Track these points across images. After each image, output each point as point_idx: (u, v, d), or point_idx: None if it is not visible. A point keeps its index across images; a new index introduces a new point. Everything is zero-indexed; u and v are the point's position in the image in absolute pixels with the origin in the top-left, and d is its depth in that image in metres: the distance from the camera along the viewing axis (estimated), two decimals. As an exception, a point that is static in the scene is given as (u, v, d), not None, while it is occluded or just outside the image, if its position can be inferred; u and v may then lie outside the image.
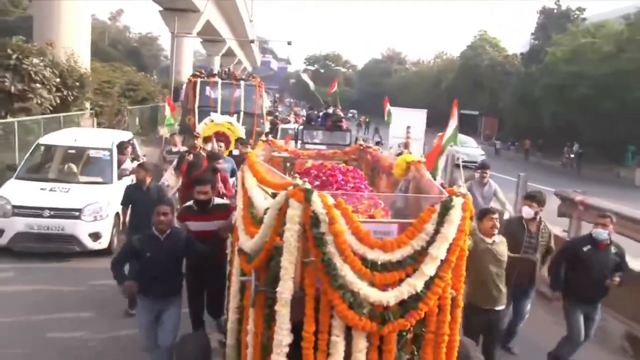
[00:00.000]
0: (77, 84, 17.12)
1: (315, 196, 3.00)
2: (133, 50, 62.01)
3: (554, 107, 33.34)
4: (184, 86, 19.30)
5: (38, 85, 15.04)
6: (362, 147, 6.35)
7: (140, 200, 6.90)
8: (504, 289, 5.42)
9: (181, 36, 37.05)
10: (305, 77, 23.07)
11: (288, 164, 6.11)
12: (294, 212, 3.01)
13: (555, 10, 45.08)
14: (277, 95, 51.32)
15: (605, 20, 35.45)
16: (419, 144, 17.40)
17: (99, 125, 18.92)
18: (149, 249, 4.96)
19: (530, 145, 36.45)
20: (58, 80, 16.02)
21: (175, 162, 9.44)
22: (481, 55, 50.32)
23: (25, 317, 6.56)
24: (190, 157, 9.03)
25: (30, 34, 19.48)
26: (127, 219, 7.14)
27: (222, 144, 10.70)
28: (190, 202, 5.80)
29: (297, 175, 3.24)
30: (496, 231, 5.37)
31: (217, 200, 5.81)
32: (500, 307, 5.43)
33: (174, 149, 10.96)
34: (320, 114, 17.91)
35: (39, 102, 15.03)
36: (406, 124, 16.04)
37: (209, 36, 47.59)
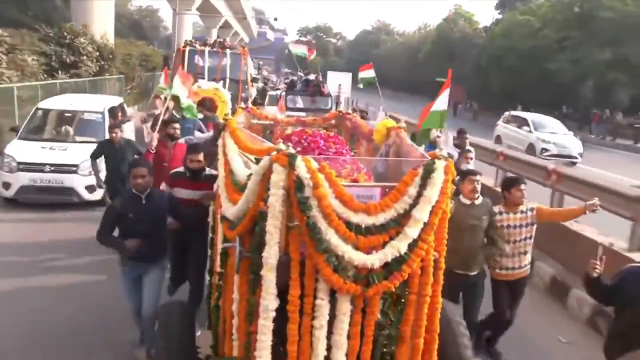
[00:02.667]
0: (110, 56, 24.17)
1: (299, 161, 2.99)
2: (135, 22, 64.64)
3: (495, 74, 38.71)
4: (174, 55, 20.48)
5: (84, 57, 21.86)
6: (341, 114, 6.34)
7: (112, 156, 7.89)
8: (479, 255, 5.40)
9: (182, 13, 41.73)
10: (291, 46, 24.04)
11: (268, 132, 6.07)
12: (278, 176, 3.00)
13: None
14: (261, 63, 53.49)
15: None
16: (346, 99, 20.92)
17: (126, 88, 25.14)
18: (131, 210, 4.96)
19: (478, 107, 43.02)
20: (97, 54, 22.88)
21: (150, 124, 10.16)
22: (453, 28, 54.69)
23: (31, 258, 7.65)
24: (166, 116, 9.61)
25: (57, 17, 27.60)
26: (103, 175, 8.21)
27: (177, 127, 10.58)
28: (181, 168, 5.77)
29: (280, 140, 3.21)
30: (476, 195, 5.40)
31: (209, 171, 5.77)
32: (474, 272, 5.40)
33: (156, 112, 11.12)
34: (301, 79, 18.59)
35: (85, 69, 21.75)
36: (337, 83, 19.74)
37: (207, 12, 51.73)
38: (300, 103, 16.13)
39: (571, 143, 20.56)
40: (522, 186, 5.47)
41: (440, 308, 3.59)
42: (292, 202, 3.04)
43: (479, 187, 5.33)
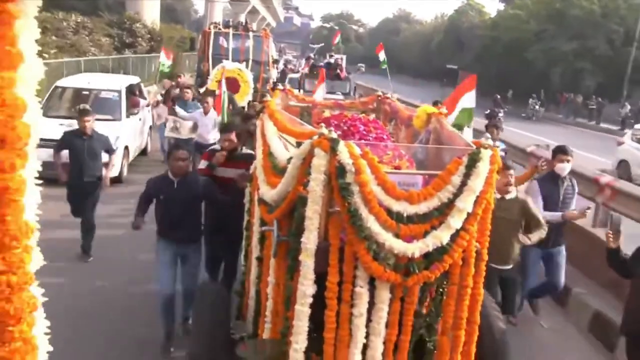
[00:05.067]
0: (159, 38, 28.84)
1: (342, 146, 2.92)
2: (169, 6, 69.79)
3: (487, 63, 42.21)
4: (200, 37, 22.22)
5: (139, 39, 26.76)
6: (379, 98, 6.22)
7: (78, 149, 6.86)
8: (512, 249, 5.42)
9: (214, 1, 46.87)
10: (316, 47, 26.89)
11: (305, 114, 6.01)
12: (320, 161, 2.94)
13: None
14: (282, 46, 57.32)
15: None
16: None
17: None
18: (161, 192, 5.08)
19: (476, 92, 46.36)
20: (149, 36, 27.83)
21: (162, 97, 12.30)
22: (462, 18, 58.16)
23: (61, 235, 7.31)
24: (177, 91, 11.64)
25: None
26: (66, 168, 7.04)
27: (189, 91, 11.78)
28: (218, 146, 5.83)
29: (322, 124, 3.14)
30: (511, 188, 5.35)
31: (245, 150, 5.83)
32: (506, 267, 5.42)
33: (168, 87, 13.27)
34: (323, 62, 18.97)
35: (140, 48, 26.49)
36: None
37: None
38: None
39: None
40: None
41: (481, 300, 3.51)
42: (333, 188, 2.98)
43: (512, 181, 5.37)
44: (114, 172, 9.81)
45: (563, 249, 6.19)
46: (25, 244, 1.34)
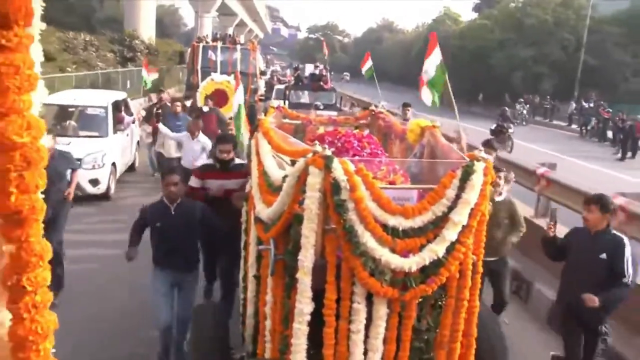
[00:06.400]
0: (156, 52, 32.32)
1: (336, 163, 2.95)
2: (158, 20, 69.78)
3: (458, 69, 43.36)
4: (188, 50, 21.97)
5: (139, 54, 29.05)
6: (373, 113, 6.26)
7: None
8: (499, 244, 5.76)
9: (203, 16, 48.75)
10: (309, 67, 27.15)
11: (299, 131, 6.03)
12: (315, 179, 2.96)
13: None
14: (269, 57, 59.60)
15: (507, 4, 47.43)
16: None
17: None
18: (158, 219, 4.93)
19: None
20: (147, 51, 30.23)
21: (144, 115, 11.97)
22: (440, 27, 59.82)
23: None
24: (160, 111, 11.21)
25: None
26: None
27: (179, 104, 11.97)
28: (210, 160, 5.84)
29: (316, 142, 3.16)
30: (500, 189, 5.69)
31: (237, 160, 5.87)
32: (493, 258, 5.60)
33: (151, 103, 13.43)
34: (307, 74, 19.22)
35: (139, 62, 26.15)
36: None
37: (224, 12, 59.06)
38: (305, 98, 16.71)
39: None
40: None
41: (478, 312, 3.52)
42: (329, 205, 3.00)
43: (501, 183, 5.64)
44: (101, 188, 10.24)
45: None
46: (45, 263, 1.38)
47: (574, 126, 30.43)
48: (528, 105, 34.21)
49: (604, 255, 4.49)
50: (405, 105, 10.64)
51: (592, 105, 29.55)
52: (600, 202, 4.57)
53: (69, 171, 6.75)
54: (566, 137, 25.85)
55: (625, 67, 36.89)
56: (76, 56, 22.86)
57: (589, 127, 27.44)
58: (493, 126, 19.72)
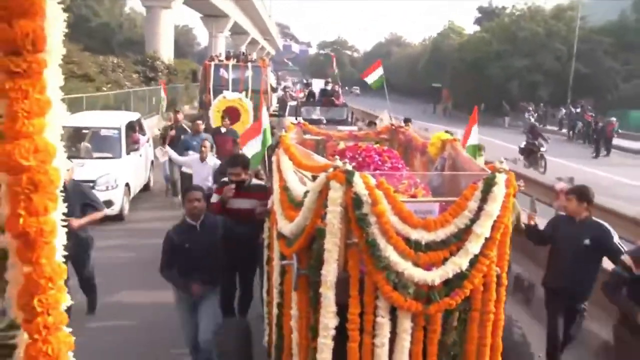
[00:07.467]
0: (175, 72, 34.29)
1: (357, 177, 2.97)
2: (174, 40, 72.33)
3: (457, 79, 48.33)
4: (201, 69, 22.57)
5: (160, 73, 30.94)
6: (393, 127, 6.29)
7: None
8: None
9: (217, 36, 50.75)
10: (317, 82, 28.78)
11: (320, 147, 6.08)
12: (336, 194, 2.98)
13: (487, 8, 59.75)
14: (280, 74, 61.30)
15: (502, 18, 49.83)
16: None
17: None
18: (187, 240, 4.91)
19: (450, 106, 50.11)
20: (167, 71, 32.69)
21: (161, 134, 12.01)
22: (444, 42, 62.84)
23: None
24: (173, 132, 11.36)
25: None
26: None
27: (200, 122, 11.93)
28: (226, 178, 5.85)
29: (337, 157, 3.19)
30: None
31: (255, 181, 5.87)
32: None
33: (167, 124, 12.98)
34: (316, 89, 19.37)
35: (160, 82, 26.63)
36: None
37: (236, 32, 62.08)
38: (316, 114, 16.87)
39: None
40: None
41: (502, 325, 3.49)
42: (351, 219, 3.01)
43: None
44: (115, 209, 10.03)
45: None
46: (58, 284, 1.41)
47: (564, 130, 32.90)
48: (536, 114, 34.46)
49: (587, 241, 4.88)
50: (406, 121, 10.56)
51: (579, 110, 31.87)
52: (577, 192, 5.06)
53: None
54: (556, 140, 26.74)
55: (615, 73, 40.12)
56: (107, 77, 24.79)
57: (575, 131, 29.79)
58: (522, 144, 18.35)
